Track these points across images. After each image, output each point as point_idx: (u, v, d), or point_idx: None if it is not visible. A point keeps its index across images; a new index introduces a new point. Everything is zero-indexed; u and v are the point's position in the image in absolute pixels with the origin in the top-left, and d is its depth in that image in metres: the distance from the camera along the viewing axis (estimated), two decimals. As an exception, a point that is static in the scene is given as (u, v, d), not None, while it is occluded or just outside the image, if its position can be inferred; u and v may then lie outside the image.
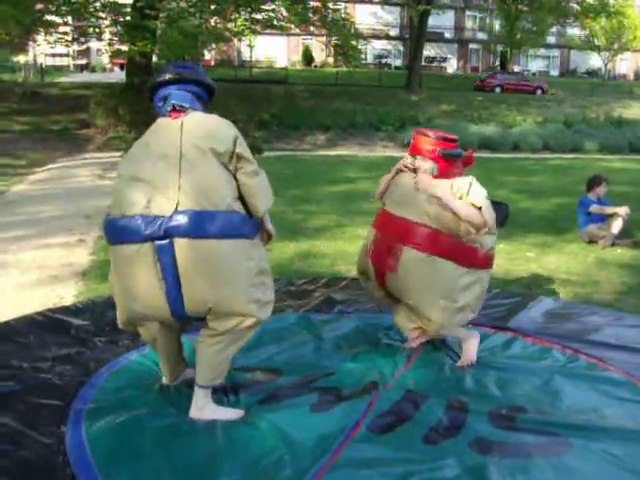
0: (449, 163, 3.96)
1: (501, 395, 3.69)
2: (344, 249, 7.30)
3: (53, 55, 52.27)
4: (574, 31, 44.90)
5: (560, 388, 3.77)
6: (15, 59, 41.81)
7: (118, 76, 31.18)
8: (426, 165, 3.96)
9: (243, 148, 3.28)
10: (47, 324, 4.59)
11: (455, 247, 3.87)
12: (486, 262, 4.03)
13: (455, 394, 3.66)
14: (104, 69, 52.78)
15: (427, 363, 4.10)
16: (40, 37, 25.65)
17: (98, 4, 19.51)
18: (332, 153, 20.22)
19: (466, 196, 3.88)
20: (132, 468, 2.88)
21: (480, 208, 3.84)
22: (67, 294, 5.46)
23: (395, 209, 4.07)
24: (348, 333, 4.57)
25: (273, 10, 21.96)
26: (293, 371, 3.93)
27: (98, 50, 51.95)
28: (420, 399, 3.55)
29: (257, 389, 3.68)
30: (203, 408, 3.33)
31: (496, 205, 9.12)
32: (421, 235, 3.87)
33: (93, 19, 20.29)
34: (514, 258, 7.05)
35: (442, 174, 3.96)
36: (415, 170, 4.04)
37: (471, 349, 4.12)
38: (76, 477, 2.80)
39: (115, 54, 21.64)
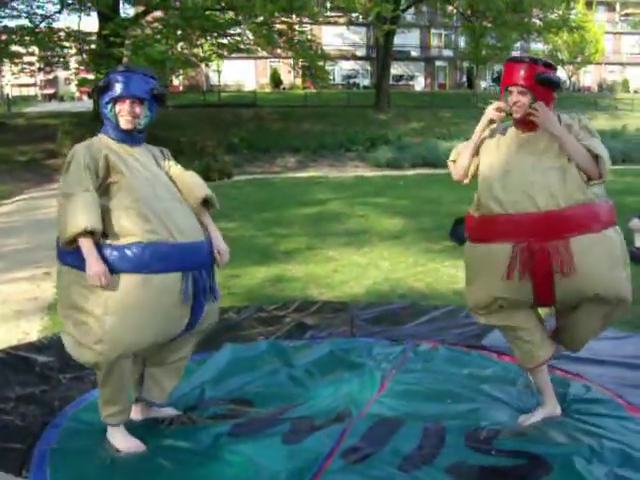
0: (548, 93, 3.23)
1: (477, 417, 3.62)
2: (315, 272, 7.23)
3: (20, 85, 51.98)
4: (538, 46, 45.49)
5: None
6: (-19, 91, 41.50)
7: (86, 105, 30.98)
8: (524, 99, 3.20)
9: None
10: (10, 362, 4.46)
11: (602, 209, 3.23)
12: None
13: (430, 419, 3.58)
14: (73, 98, 52.64)
15: (402, 386, 4.00)
16: (5, 67, 25.49)
17: (62, 34, 19.37)
18: (303, 175, 20.20)
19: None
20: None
21: (597, 157, 3.15)
22: (32, 329, 5.32)
23: (514, 206, 3.20)
24: (320, 359, 4.46)
25: (239, 34, 21.99)
26: (264, 401, 3.83)
27: (66, 79, 51.84)
28: (395, 426, 3.46)
29: (227, 421, 3.57)
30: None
31: (461, 223, 9.23)
32: (574, 217, 3.15)
33: (58, 49, 20.13)
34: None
35: (544, 109, 3.23)
36: (511, 114, 3.30)
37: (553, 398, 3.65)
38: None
39: (81, 83, 21.49)
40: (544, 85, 3.19)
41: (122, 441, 3.31)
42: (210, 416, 3.64)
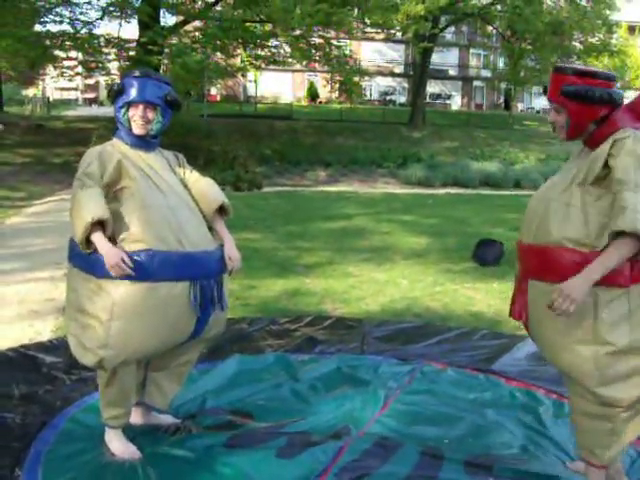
0: (585, 110, 2.71)
1: (479, 442, 3.55)
2: (333, 287, 7.20)
3: (62, 89, 52.81)
4: (578, 70, 45.19)
5: (542, 435, 3.64)
6: (24, 92, 42.26)
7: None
8: (559, 118, 2.80)
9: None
10: (18, 361, 4.49)
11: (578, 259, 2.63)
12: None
13: (430, 441, 3.52)
14: (112, 103, 53.18)
15: (405, 407, 3.95)
16: (46, 71, 26.00)
17: (102, 40, 19.68)
18: (332, 189, 20.21)
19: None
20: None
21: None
22: (45, 329, 5.36)
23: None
24: (326, 375, 4.42)
25: (276, 46, 22.16)
26: (265, 415, 3.79)
27: (107, 84, 52.60)
28: (393, 447, 3.41)
29: (224, 432, 3.55)
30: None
31: (490, 243, 9.15)
32: (540, 256, 2.78)
33: (97, 54, 20.46)
34: (506, 298, 6.85)
35: (573, 127, 2.78)
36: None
37: None
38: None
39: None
40: (572, 100, 2.71)
41: (118, 446, 3.30)
42: (208, 426, 3.62)
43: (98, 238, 2.96)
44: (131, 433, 3.42)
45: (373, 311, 6.36)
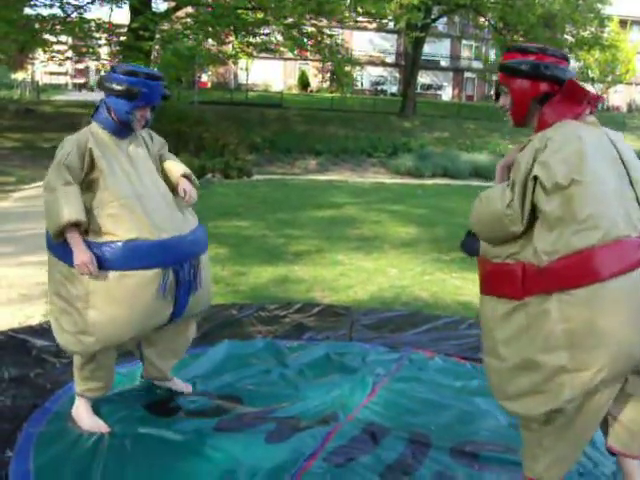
0: (521, 84, 2.59)
1: (465, 430, 3.60)
2: (322, 275, 7.23)
3: (51, 73, 52.43)
4: (569, 63, 45.30)
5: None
6: (13, 76, 41.91)
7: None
8: (506, 100, 2.71)
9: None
10: (8, 344, 4.50)
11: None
12: (549, 282, 2.36)
13: (418, 428, 3.57)
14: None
15: (392, 394, 3.99)
16: (36, 55, 25.81)
17: (93, 24, 19.54)
18: (322, 178, 20.20)
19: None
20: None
21: None
22: (35, 313, 5.37)
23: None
24: (314, 361, 4.47)
25: (268, 34, 22.08)
26: (254, 399, 3.83)
27: (97, 70, 52.25)
28: (381, 433, 3.46)
29: (214, 416, 3.59)
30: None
31: (473, 235, 9.19)
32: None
33: (88, 39, 20.32)
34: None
35: (515, 107, 2.67)
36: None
37: None
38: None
39: (109, 73, 21.69)
40: (508, 75, 2.63)
41: (87, 419, 3.39)
42: (197, 410, 3.66)
43: (72, 237, 3.07)
44: (116, 414, 3.48)
45: (361, 299, 6.39)
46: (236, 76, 45.07)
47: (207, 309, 3.72)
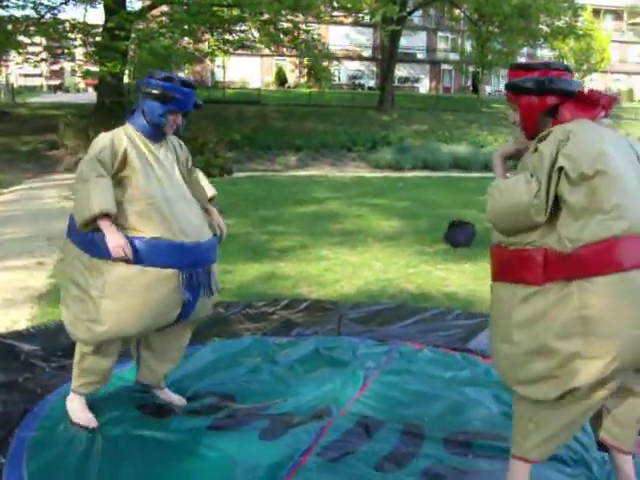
0: (529, 103, 2.66)
1: (458, 420, 3.63)
2: (307, 270, 7.23)
3: (26, 75, 51.99)
4: (544, 52, 45.47)
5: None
6: (-13, 79, 41.51)
7: (90, 97, 31.00)
8: (516, 115, 2.77)
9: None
10: (-4, 349, 4.47)
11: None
12: (571, 269, 2.38)
13: (411, 419, 3.59)
14: (78, 90, 52.60)
15: (384, 386, 4.01)
16: (10, 57, 25.54)
17: (67, 25, 19.37)
18: (303, 173, 20.19)
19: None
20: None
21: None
22: (21, 318, 5.32)
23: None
24: (304, 357, 4.48)
25: (244, 31, 21.99)
26: (246, 397, 3.85)
27: (73, 71, 51.88)
28: (374, 426, 3.48)
29: (207, 415, 3.59)
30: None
31: (462, 225, 9.25)
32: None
33: (63, 40, 20.14)
34: (479, 278, 7.01)
35: (525, 122, 2.73)
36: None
37: None
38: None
39: (85, 75, 21.53)
40: (515, 93, 2.72)
41: (78, 413, 3.46)
42: (190, 409, 3.66)
43: (105, 224, 3.16)
44: (110, 414, 3.48)
45: (348, 293, 6.41)
46: (213, 74, 44.87)
47: (207, 316, 3.77)
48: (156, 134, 3.45)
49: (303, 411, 3.63)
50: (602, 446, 2.84)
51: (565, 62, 43.40)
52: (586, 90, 2.65)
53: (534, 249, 2.48)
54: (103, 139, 3.32)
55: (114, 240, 3.13)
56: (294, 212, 11.67)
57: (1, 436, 3.27)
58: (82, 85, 53.87)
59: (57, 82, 59.33)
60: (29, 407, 3.61)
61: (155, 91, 3.35)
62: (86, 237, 3.23)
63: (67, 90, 54.34)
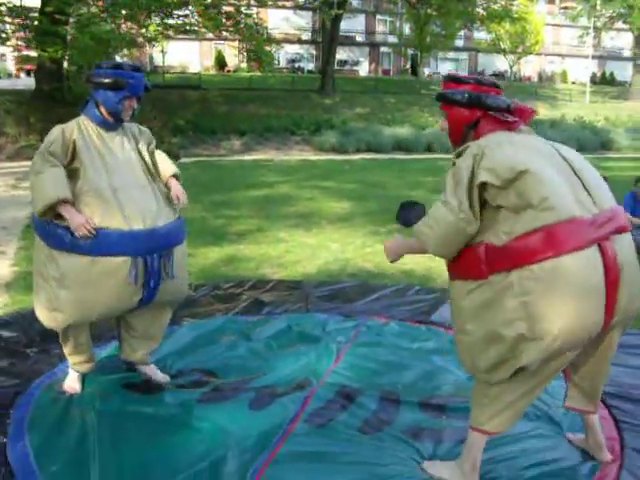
0: (458, 112, 2.86)
1: (429, 385, 3.90)
2: (267, 252, 7.43)
3: (-47, 61, 50.30)
4: (481, 35, 46.33)
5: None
6: None
7: (25, 82, 30.27)
8: (445, 124, 2.98)
9: None
10: (-26, 337, 4.54)
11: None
12: (510, 259, 2.56)
13: (386, 387, 3.84)
14: (9, 75, 51.09)
15: (357, 358, 4.25)
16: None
17: (4, 8, 18.93)
18: (249, 158, 20.29)
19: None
20: (77, 474, 2.94)
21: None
22: (-8, 306, 5.39)
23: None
24: (278, 333, 4.70)
25: (186, 15, 21.85)
26: (227, 373, 4.04)
27: (2, 55, 50.30)
28: (353, 393, 3.72)
29: (194, 389, 3.78)
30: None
31: (412, 205, 9.53)
32: None
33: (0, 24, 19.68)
34: (433, 256, 7.30)
35: (451, 131, 2.95)
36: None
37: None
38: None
39: (24, 60, 21.08)
40: (444, 103, 2.93)
41: (69, 380, 3.76)
42: (177, 386, 3.83)
43: (64, 208, 3.30)
44: (100, 393, 3.64)
45: (310, 273, 6.63)
46: (152, 58, 44.28)
47: (182, 299, 3.93)
48: (111, 123, 3.55)
49: (284, 383, 3.85)
50: (569, 409, 3.15)
51: (501, 45, 44.39)
52: (511, 105, 2.84)
53: (475, 244, 2.66)
54: (55, 132, 3.44)
55: (76, 220, 3.26)
56: (246, 196, 11.81)
57: (-2, 417, 3.40)
58: (13, 70, 52.37)
59: (-13, 67, 57.50)
60: (19, 390, 3.72)
61: (107, 80, 3.46)
62: (44, 229, 3.39)
63: (-1, 76, 52.75)
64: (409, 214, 10.24)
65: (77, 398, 3.63)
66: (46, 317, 3.51)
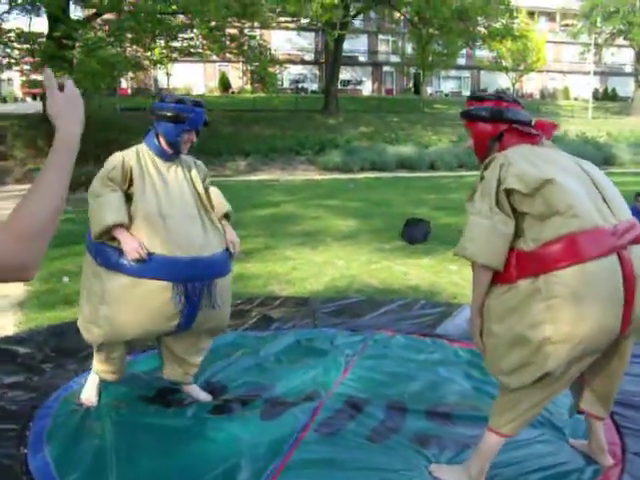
0: (482, 129, 3.02)
1: (435, 395, 4.01)
2: (275, 270, 7.55)
3: (-40, 86, 50.81)
4: (483, 53, 46.62)
5: (488, 384, 4.07)
6: None
7: (32, 106, 30.62)
8: (471, 141, 3.12)
9: None
10: (-8, 354, 4.66)
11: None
12: (537, 265, 2.69)
13: (393, 397, 3.95)
14: (16, 99, 51.56)
15: (364, 370, 4.36)
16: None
17: (12, 34, 19.24)
18: (254, 178, 20.49)
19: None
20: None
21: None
22: (7, 324, 5.51)
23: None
24: (287, 348, 4.81)
25: (191, 38, 22.15)
26: (238, 386, 4.15)
27: (9, 80, 50.83)
28: (361, 403, 3.83)
29: (205, 402, 3.89)
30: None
31: (417, 222, 9.68)
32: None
33: (7, 49, 19.97)
34: (438, 271, 7.44)
35: (476, 146, 3.09)
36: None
37: None
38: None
39: (31, 85, 21.37)
40: (468, 121, 3.08)
41: (87, 392, 3.88)
42: (188, 398, 3.94)
43: (119, 232, 3.45)
44: (117, 404, 3.74)
45: (317, 290, 6.75)
46: (157, 81, 44.71)
47: (222, 329, 4.04)
48: (169, 154, 3.67)
49: (294, 394, 3.96)
50: (581, 412, 3.23)
51: (503, 62, 44.68)
52: (533, 121, 3.03)
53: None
54: (115, 158, 3.57)
55: (129, 243, 3.39)
56: (252, 215, 11.95)
57: (18, 429, 3.51)
58: (20, 95, 52.89)
59: (-7, 92, 58.05)
60: (37, 403, 3.84)
61: (169, 113, 3.59)
62: (95, 246, 3.54)
63: (4, 100, 53.28)
64: (414, 231, 10.38)
65: (94, 410, 3.75)
66: (84, 329, 3.65)
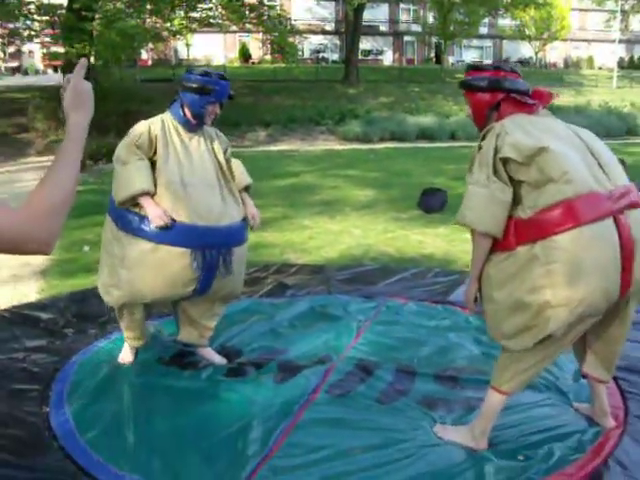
0: (478, 98, 3.08)
1: (444, 359, 4.10)
2: (291, 239, 7.65)
3: (-18, 58, 51.09)
4: (505, 22, 46.04)
5: (496, 349, 4.14)
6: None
7: (53, 78, 30.80)
8: (469, 110, 3.21)
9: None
10: (15, 319, 4.81)
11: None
12: (535, 231, 2.76)
13: (403, 361, 4.05)
14: (37, 72, 51.83)
15: (375, 335, 4.47)
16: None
17: (32, 6, 19.32)
18: (274, 148, 20.51)
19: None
20: (113, 439, 3.19)
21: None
22: (30, 291, 5.67)
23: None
24: (300, 314, 4.92)
25: (211, 8, 22.10)
26: (252, 350, 4.27)
27: (30, 52, 51.06)
28: (371, 366, 3.94)
29: (220, 365, 4.02)
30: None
31: (434, 192, 9.71)
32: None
33: (28, 21, 20.08)
34: (452, 240, 7.49)
35: (474, 116, 3.16)
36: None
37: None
38: (65, 448, 3.09)
39: (52, 57, 21.49)
40: (466, 90, 3.14)
41: (124, 354, 4.09)
42: (203, 361, 4.07)
43: (144, 200, 3.55)
44: (136, 369, 3.89)
45: (332, 258, 6.84)
46: (176, 52, 44.70)
47: (236, 296, 4.17)
48: (193, 124, 3.76)
49: (306, 358, 4.07)
50: (585, 375, 3.31)
51: (526, 31, 44.07)
52: (530, 88, 3.07)
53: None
54: (142, 126, 3.67)
55: (154, 211, 3.50)
56: (271, 185, 12.02)
57: (41, 390, 3.66)
58: (41, 67, 53.17)
59: (15, 64, 58.36)
60: (58, 366, 3.99)
61: (195, 85, 3.68)
62: (116, 211, 3.65)
63: (26, 72, 53.55)
64: (431, 200, 10.42)
65: (112, 372, 3.89)
66: (104, 291, 3.79)
